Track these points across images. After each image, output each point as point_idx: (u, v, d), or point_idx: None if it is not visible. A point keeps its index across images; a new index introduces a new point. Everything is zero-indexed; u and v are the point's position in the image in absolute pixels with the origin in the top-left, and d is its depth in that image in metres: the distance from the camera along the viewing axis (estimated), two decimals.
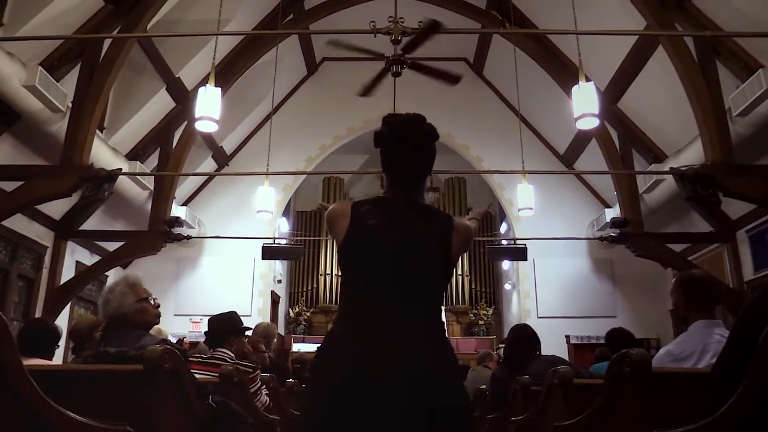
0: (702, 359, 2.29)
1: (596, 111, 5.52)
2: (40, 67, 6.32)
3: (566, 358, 7.10)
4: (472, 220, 2.15)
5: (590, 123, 5.69)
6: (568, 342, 10.68)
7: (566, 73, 9.03)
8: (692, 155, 7.31)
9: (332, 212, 1.85)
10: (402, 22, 5.35)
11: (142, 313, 2.49)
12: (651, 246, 8.63)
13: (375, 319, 1.67)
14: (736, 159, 6.52)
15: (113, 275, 9.86)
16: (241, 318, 3.76)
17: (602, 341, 5.58)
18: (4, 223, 7.02)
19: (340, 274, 1.88)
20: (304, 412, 1.72)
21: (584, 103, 5.48)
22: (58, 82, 6.71)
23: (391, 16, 5.50)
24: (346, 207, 1.83)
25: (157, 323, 2.64)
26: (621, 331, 4.43)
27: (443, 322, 1.85)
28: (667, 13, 7.04)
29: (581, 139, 10.44)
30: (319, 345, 1.78)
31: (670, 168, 7.15)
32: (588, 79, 5.65)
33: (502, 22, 9.58)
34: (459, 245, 1.82)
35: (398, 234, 1.74)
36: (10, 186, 6.68)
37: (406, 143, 1.83)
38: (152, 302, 2.56)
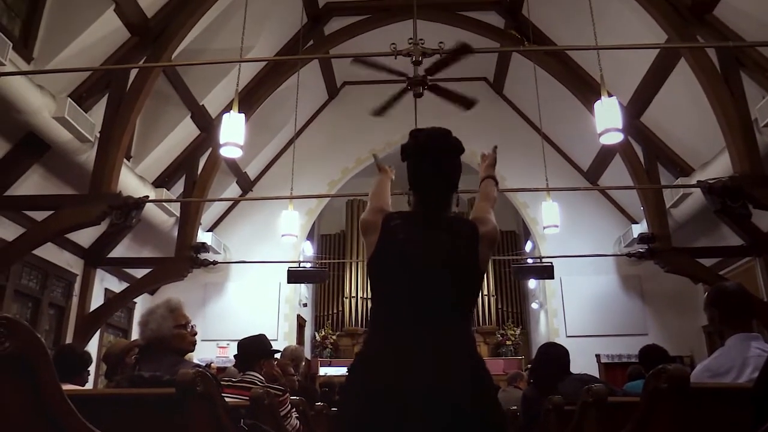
0: (742, 374, 2.22)
1: (620, 126, 5.48)
2: (69, 99, 6.48)
3: (597, 377, 6.97)
4: (489, 181, 2.14)
5: (614, 138, 5.64)
6: (598, 361, 10.48)
7: (587, 89, 9.00)
8: (720, 168, 7.20)
9: (364, 223, 1.88)
10: (422, 44, 5.39)
11: (179, 339, 2.50)
12: (680, 261, 8.48)
13: (396, 340, 1.67)
14: (765, 170, 6.41)
15: (141, 302, 9.97)
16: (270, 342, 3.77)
17: (634, 360, 5.48)
18: (35, 252, 7.15)
19: (370, 290, 1.91)
20: None
21: (607, 118, 5.45)
22: (86, 112, 6.86)
23: (410, 38, 5.55)
24: (377, 220, 1.84)
25: (192, 351, 2.64)
26: (655, 348, 4.33)
27: (472, 338, 1.82)
28: (688, 27, 7.01)
29: (605, 155, 10.36)
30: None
31: (698, 181, 7.04)
32: (610, 95, 5.62)
33: (521, 41, 9.61)
34: (486, 252, 1.82)
35: (424, 251, 1.75)
36: (40, 216, 6.82)
37: (431, 156, 1.85)
38: (190, 329, 2.56)
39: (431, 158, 1.85)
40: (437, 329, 1.67)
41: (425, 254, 1.75)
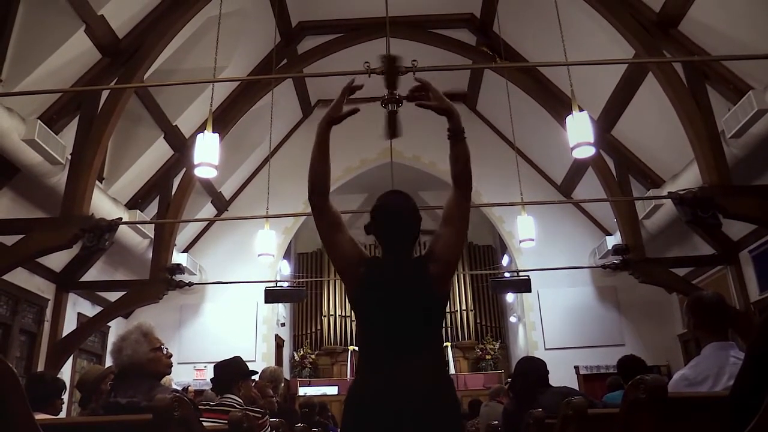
0: (718, 382, 2.26)
1: (591, 139, 5.56)
2: (39, 121, 6.38)
3: (577, 389, 6.99)
4: (462, 145, 2.22)
5: (586, 152, 5.73)
6: (577, 373, 10.54)
7: (559, 104, 9.13)
8: (689, 179, 7.34)
9: (343, 276, 2.10)
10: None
11: (156, 362, 2.46)
12: (654, 271, 8.60)
13: (378, 378, 1.90)
14: (733, 180, 6.55)
15: (115, 326, 9.79)
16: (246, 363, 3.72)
17: (612, 371, 5.53)
18: (5, 277, 6.99)
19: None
20: None
21: (579, 133, 5.53)
22: (56, 134, 6.76)
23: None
24: (358, 271, 2.05)
25: (169, 373, 2.60)
26: (632, 359, 4.37)
27: (440, 368, 2.01)
28: (655, 41, 7.17)
29: (578, 169, 10.50)
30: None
31: (669, 192, 7.16)
32: (581, 109, 5.71)
33: (493, 58, 9.73)
34: (440, 286, 2.03)
35: (394, 295, 1.99)
36: (10, 240, 6.68)
37: (393, 216, 2.13)
38: (165, 352, 2.53)
39: (393, 218, 2.11)
40: (413, 363, 1.89)
41: (395, 298, 1.98)
